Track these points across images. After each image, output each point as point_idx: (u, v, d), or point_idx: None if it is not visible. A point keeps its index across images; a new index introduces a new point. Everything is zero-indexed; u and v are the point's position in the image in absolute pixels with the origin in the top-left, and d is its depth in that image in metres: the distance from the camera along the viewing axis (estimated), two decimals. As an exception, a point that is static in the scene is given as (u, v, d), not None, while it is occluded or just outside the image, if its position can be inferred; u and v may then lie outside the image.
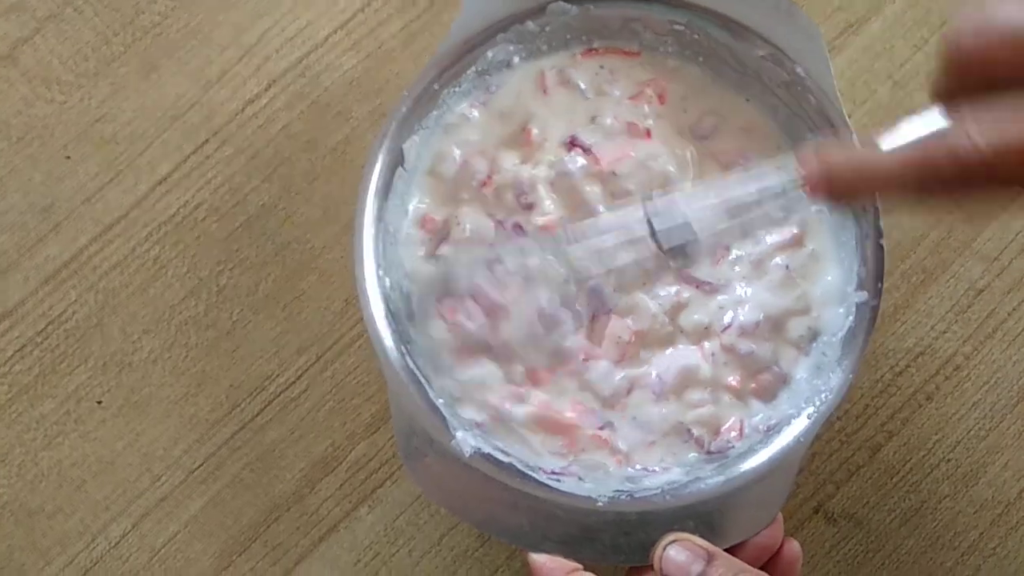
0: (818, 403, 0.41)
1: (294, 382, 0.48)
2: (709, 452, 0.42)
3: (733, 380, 0.42)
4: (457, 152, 0.44)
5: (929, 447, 0.48)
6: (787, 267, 0.43)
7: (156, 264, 0.48)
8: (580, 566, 0.39)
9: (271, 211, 0.49)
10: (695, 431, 0.42)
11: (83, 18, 0.50)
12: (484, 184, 0.43)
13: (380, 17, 0.51)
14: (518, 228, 0.43)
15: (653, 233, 0.39)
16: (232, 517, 0.47)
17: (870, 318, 0.41)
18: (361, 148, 0.49)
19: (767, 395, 0.43)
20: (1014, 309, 0.49)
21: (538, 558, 0.39)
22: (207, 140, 0.49)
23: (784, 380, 0.43)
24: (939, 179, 0.30)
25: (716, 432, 0.42)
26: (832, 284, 0.43)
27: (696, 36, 0.44)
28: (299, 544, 0.47)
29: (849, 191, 0.34)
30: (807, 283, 0.43)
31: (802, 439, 0.40)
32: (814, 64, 0.43)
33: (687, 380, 0.42)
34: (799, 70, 0.43)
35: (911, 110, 0.31)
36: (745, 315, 0.42)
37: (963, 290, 0.49)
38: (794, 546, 0.40)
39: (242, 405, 0.47)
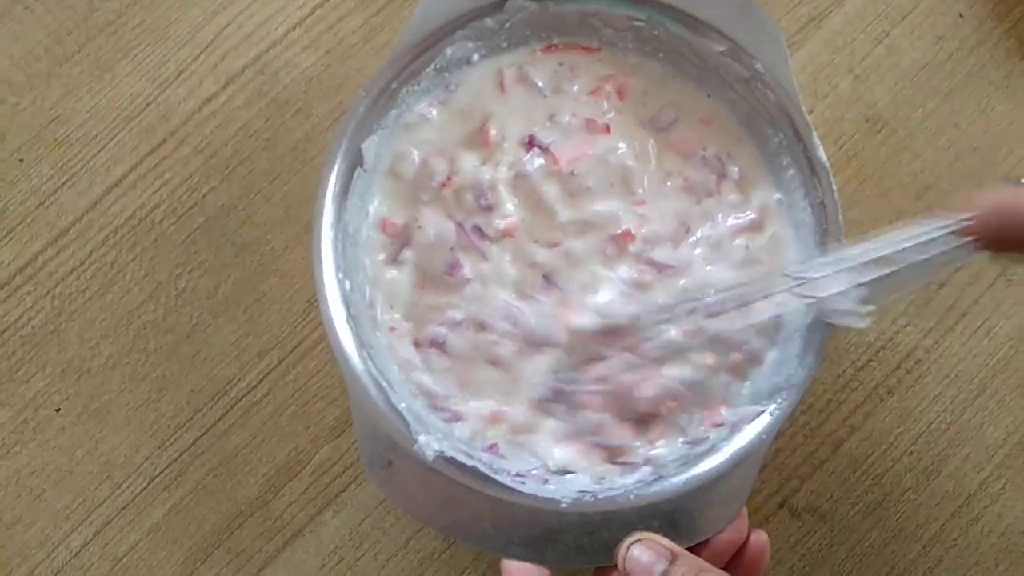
0: (780, 400, 0.41)
1: (256, 386, 0.47)
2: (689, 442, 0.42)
3: (709, 360, 0.42)
4: (416, 152, 0.43)
5: (891, 440, 0.48)
6: (747, 247, 0.43)
7: (113, 268, 0.48)
8: (548, 572, 0.39)
9: (230, 212, 0.48)
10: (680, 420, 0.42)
11: (35, 17, 0.49)
12: (444, 185, 0.43)
13: (340, 13, 0.50)
14: (477, 231, 0.42)
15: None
16: (195, 524, 0.46)
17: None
18: (322, 146, 0.49)
19: (741, 375, 0.43)
20: (974, 302, 0.49)
21: (509, 565, 0.39)
22: (164, 140, 0.49)
23: (756, 359, 0.43)
24: None
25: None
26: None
27: (655, 32, 0.43)
28: (263, 550, 0.46)
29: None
30: (770, 262, 0.43)
31: (764, 436, 0.40)
32: (773, 60, 0.43)
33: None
34: (758, 66, 0.42)
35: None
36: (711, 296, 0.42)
37: (924, 284, 0.49)
38: (761, 537, 0.40)
39: (203, 410, 0.47)
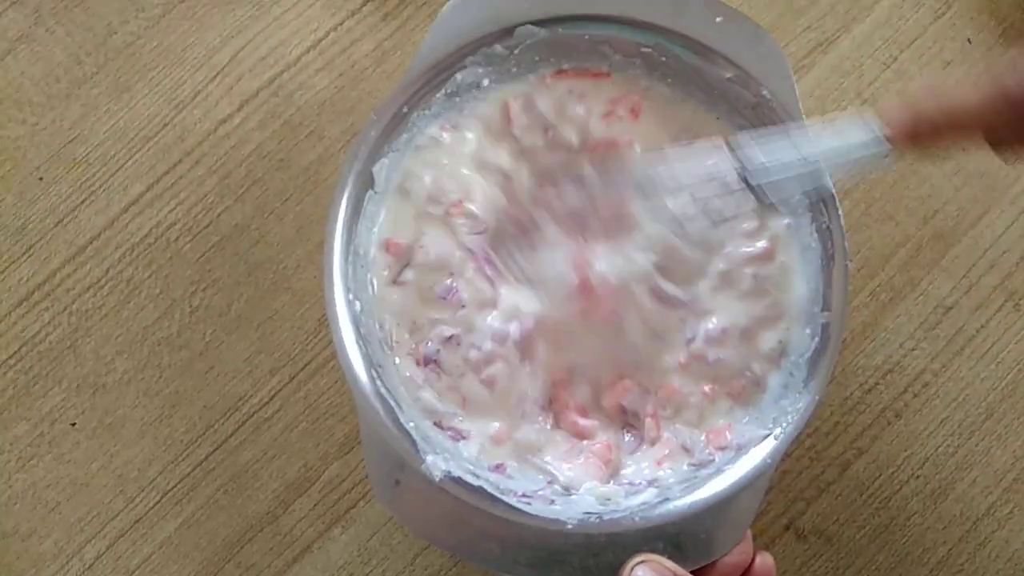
0: (785, 424, 0.41)
1: (267, 402, 0.48)
2: (695, 464, 0.42)
3: (707, 388, 0.43)
4: (427, 175, 0.44)
5: (898, 464, 0.48)
6: (754, 277, 0.44)
7: (129, 285, 0.48)
8: None
9: (244, 231, 0.49)
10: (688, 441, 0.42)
11: (55, 39, 0.50)
12: (455, 207, 0.43)
13: (353, 36, 0.51)
14: (488, 259, 0.43)
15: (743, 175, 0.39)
16: (206, 538, 0.47)
17: (835, 340, 0.41)
18: (334, 167, 0.50)
19: (744, 400, 0.43)
20: (982, 326, 0.49)
21: None
22: (180, 160, 0.50)
23: (759, 385, 0.43)
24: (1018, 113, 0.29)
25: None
26: (801, 298, 0.43)
27: (664, 58, 0.44)
28: (272, 565, 0.47)
29: (934, 134, 0.33)
30: (778, 293, 0.44)
31: (769, 460, 0.41)
32: (780, 86, 0.43)
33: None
34: (765, 92, 0.43)
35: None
36: (713, 324, 0.43)
37: (931, 308, 0.49)
38: (767, 559, 0.40)
39: (216, 426, 0.48)
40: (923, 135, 0.33)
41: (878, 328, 0.49)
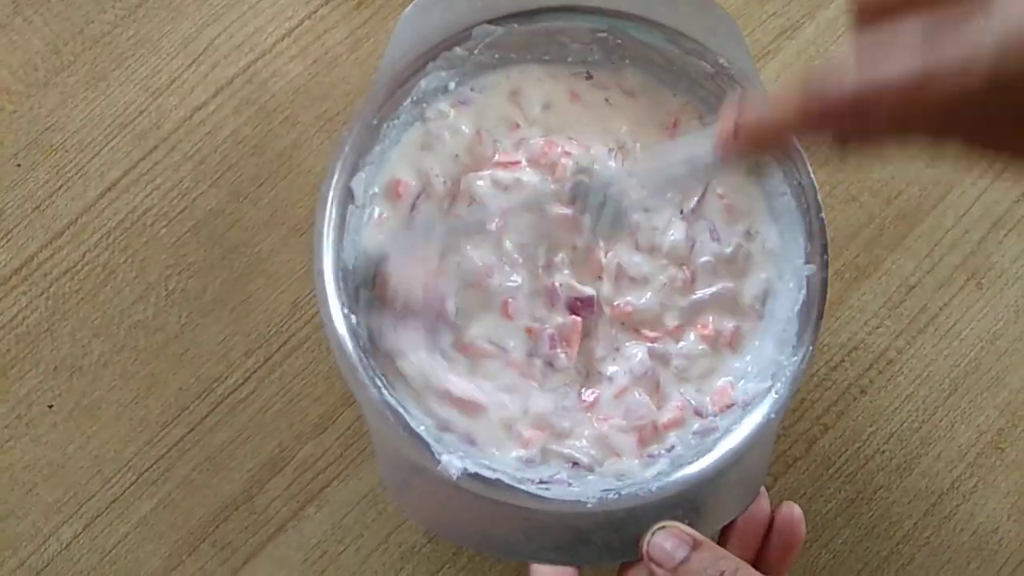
0: (784, 378, 0.42)
1: (242, 384, 0.48)
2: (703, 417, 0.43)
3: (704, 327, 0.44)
4: (413, 178, 0.45)
5: (864, 439, 0.49)
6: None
7: (106, 269, 0.49)
8: (573, 570, 0.40)
9: (219, 215, 0.50)
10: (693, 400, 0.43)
11: (33, 28, 0.51)
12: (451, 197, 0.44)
13: (327, 24, 0.52)
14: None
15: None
16: (182, 518, 0.47)
17: (821, 289, 0.42)
18: (308, 152, 0.50)
19: (737, 347, 0.44)
20: (945, 304, 0.50)
21: (539, 569, 0.40)
22: (156, 147, 0.50)
23: (745, 334, 0.44)
24: (830, 122, 0.28)
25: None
26: (775, 248, 0.45)
27: (619, 41, 0.45)
28: (248, 543, 0.47)
29: (755, 142, 0.32)
30: (749, 244, 0.45)
31: (773, 415, 0.41)
32: (734, 53, 0.44)
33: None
34: (722, 60, 0.44)
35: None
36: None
37: (895, 286, 0.50)
38: (792, 509, 0.41)
39: (191, 407, 0.48)
40: (745, 143, 0.33)
41: (843, 307, 0.50)
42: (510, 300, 0.43)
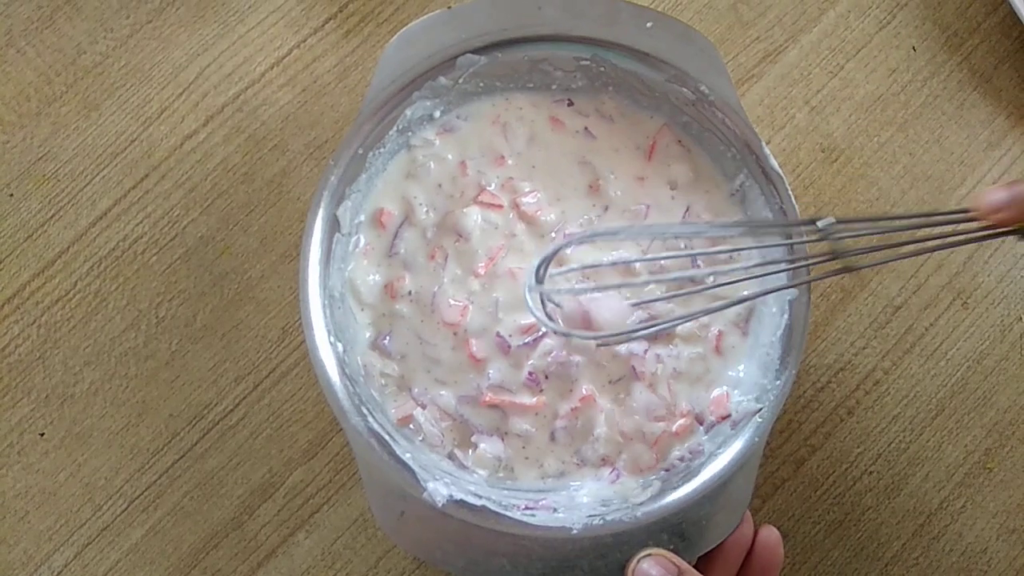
0: (767, 401, 0.42)
1: (232, 410, 0.49)
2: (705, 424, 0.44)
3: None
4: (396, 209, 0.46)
5: (851, 460, 0.49)
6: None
7: (97, 298, 0.50)
8: None
9: (209, 243, 0.50)
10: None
11: (25, 59, 0.52)
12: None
13: (315, 53, 0.53)
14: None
15: None
16: (172, 545, 0.48)
17: (804, 315, 0.43)
18: (297, 180, 0.51)
19: (724, 353, 0.45)
20: (931, 324, 0.51)
21: None
22: (147, 175, 0.51)
23: (733, 344, 0.45)
24: None
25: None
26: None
27: (602, 68, 0.45)
28: (238, 570, 0.47)
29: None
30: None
31: (756, 438, 0.42)
32: (716, 81, 0.44)
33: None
34: (703, 88, 0.44)
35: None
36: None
37: (881, 307, 0.51)
38: (770, 534, 0.42)
39: (181, 434, 0.48)
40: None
41: (829, 328, 0.50)
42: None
